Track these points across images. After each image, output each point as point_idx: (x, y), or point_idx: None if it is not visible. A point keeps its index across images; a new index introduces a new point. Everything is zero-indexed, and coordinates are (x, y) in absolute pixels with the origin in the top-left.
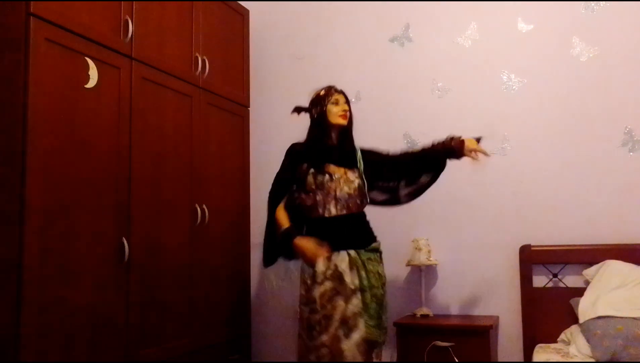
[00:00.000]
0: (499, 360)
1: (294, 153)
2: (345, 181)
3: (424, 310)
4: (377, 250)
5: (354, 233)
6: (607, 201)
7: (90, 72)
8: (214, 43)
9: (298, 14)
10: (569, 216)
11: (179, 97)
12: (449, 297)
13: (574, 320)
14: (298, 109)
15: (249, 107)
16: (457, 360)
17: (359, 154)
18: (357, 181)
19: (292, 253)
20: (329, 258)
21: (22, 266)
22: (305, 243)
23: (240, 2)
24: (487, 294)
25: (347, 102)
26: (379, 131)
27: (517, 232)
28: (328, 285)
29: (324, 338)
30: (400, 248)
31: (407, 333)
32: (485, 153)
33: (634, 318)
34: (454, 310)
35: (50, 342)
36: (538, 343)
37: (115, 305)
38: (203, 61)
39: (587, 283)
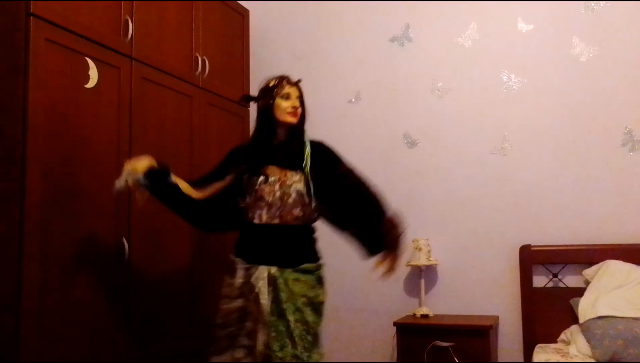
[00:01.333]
0: (499, 360)
1: (231, 156)
2: (281, 185)
3: (424, 310)
4: (311, 272)
5: (282, 248)
6: (607, 201)
7: (90, 72)
8: (214, 43)
9: (298, 14)
10: (569, 216)
11: (179, 97)
12: (449, 297)
13: (574, 320)
14: (247, 98)
15: (249, 107)
16: (457, 360)
17: (307, 150)
18: (295, 186)
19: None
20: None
21: (22, 266)
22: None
23: (240, 2)
24: (487, 294)
25: (301, 97)
26: (379, 131)
27: (517, 232)
28: (240, 302)
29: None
30: None
31: (407, 333)
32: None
33: (634, 318)
34: (454, 310)
35: (50, 342)
36: (538, 343)
37: (115, 305)
38: (203, 61)
39: (587, 283)
